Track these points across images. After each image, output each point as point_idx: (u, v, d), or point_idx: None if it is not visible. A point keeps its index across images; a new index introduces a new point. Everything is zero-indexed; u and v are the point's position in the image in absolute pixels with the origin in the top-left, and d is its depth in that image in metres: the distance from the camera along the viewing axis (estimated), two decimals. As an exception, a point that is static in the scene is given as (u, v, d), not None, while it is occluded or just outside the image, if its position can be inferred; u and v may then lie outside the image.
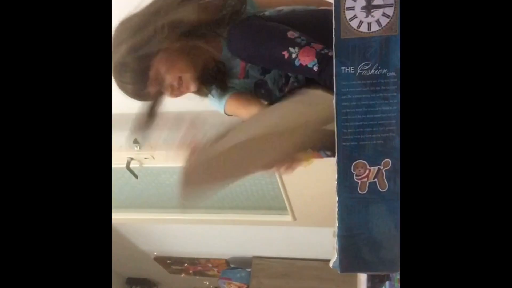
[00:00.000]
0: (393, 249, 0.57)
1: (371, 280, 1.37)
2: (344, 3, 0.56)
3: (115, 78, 0.94)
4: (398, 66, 0.55)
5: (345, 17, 0.56)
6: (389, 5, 0.55)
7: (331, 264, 0.66)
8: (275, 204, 2.47)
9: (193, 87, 0.96)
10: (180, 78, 0.95)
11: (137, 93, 0.95)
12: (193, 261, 3.62)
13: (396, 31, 0.55)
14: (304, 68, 0.82)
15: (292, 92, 0.92)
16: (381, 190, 0.59)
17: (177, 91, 0.96)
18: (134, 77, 0.92)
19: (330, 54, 0.77)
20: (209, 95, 1.05)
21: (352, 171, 0.59)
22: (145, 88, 0.93)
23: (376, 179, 0.59)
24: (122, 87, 0.96)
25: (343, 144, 0.58)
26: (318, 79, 0.81)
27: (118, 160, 2.06)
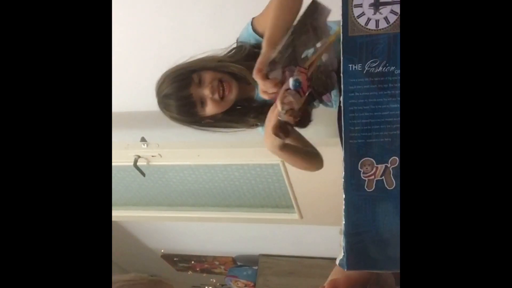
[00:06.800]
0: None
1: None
2: (352, 0, 0.56)
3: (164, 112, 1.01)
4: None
5: (353, 14, 0.56)
6: (397, 2, 0.55)
7: (337, 262, 0.65)
8: (282, 202, 2.47)
9: (234, 87, 0.97)
10: (220, 80, 0.95)
11: (183, 106, 0.98)
12: (200, 259, 3.63)
13: (404, 28, 0.55)
14: None
15: None
16: (388, 188, 0.58)
17: (218, 92, 0.95)
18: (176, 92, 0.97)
19: None
20: (259, 128, 1.08)
21: (359, 168, 0.59)
22: (188, 91, 0.95)
23: (383, 177, 0.58)
24: (169, 113, 1.00)
25: (350, 141, 0.58)
26: None
27: (125, 158, 2.07)
